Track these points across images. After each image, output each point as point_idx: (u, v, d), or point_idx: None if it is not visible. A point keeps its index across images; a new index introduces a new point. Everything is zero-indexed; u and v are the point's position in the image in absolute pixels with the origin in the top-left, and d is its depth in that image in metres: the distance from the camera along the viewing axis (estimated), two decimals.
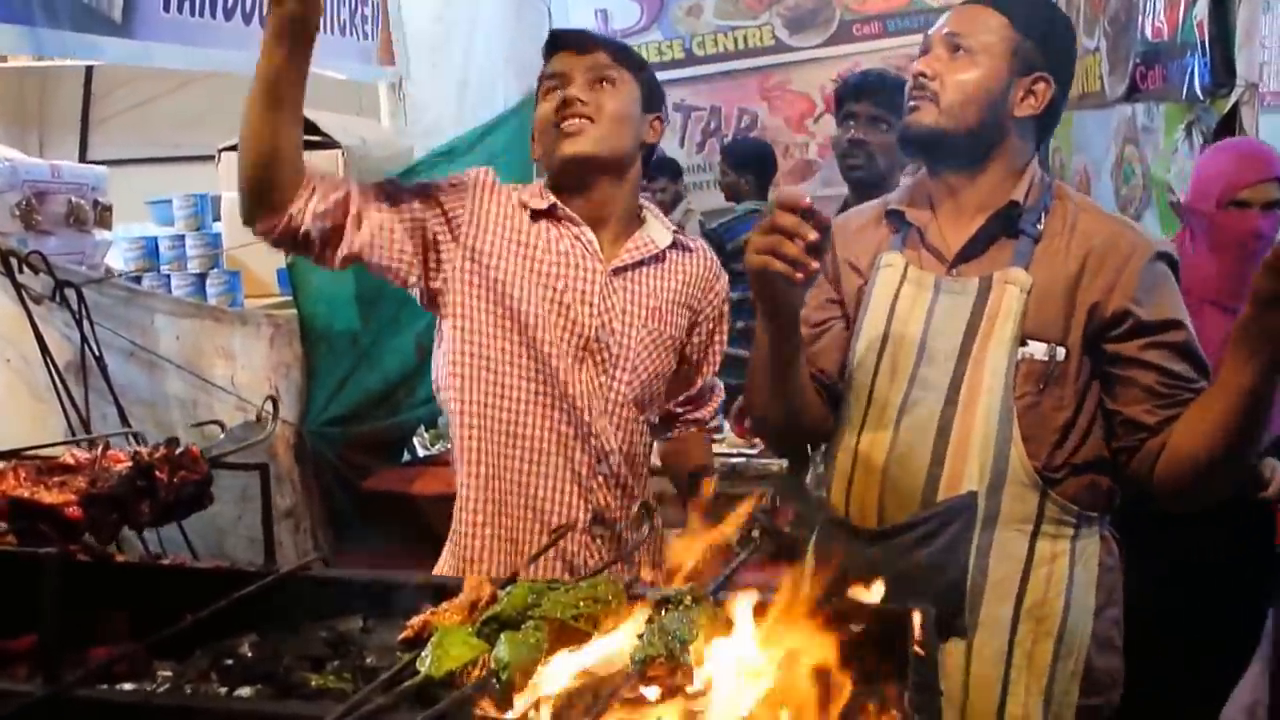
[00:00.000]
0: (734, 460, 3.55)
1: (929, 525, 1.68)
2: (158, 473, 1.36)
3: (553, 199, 1.83)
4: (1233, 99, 3.20)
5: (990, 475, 1.65)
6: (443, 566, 1.90)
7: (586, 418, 1.81)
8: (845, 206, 2.88)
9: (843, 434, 1.80)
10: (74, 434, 2.19)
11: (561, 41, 1.88)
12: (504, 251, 1.80)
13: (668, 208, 5.02)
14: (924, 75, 1.70)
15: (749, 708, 1.10)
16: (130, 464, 1.35)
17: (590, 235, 1.83)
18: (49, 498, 1.23)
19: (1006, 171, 1.73)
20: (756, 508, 3.45)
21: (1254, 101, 3.25)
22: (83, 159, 4.99)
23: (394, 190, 1.81)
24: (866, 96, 2.85)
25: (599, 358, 1.81)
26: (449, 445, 3.96)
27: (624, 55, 1.87)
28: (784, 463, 3.60)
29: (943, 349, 1.71)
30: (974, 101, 1.68)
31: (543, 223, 1.83)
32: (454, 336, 1.81)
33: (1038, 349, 1.65)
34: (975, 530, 1.66)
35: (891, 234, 1.82)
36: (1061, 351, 1.65)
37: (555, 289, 1.79)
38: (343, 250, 1.74)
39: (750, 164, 5.08)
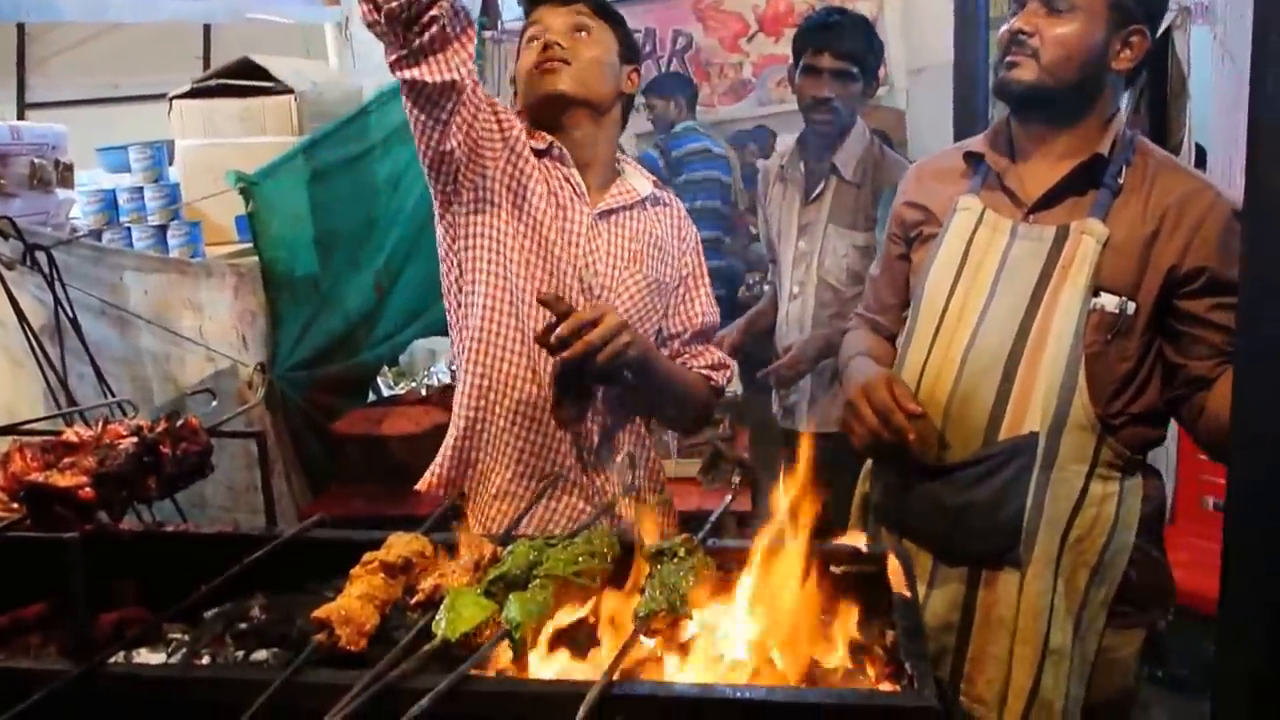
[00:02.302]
0: None
1: (991, 463, 1.73)
2: (162, 447, 1.39)
3: (550, 138, 1.87)
4: (1165, 22, 3.24)
5: (1052, 418, 1.70)
6: (442, 465, 1.91)
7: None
8: (803, 146, 3.02)
9: (904, 370, 1.84)
10: (54, 396, 2.20)
11: None
12: (507, 195, 1.83)
13: (672, 122, 5.44)
14: (1023, 32, 1.69)
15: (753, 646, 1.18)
16: (134, 439, 1.38)
17: (579, 178, 1.88)
18: (63, 481, 1.26)
19: (1096, 123, 1.74)
20: (716, 436, 3.55)
21: (1186, 25, 3.30)
22: (20, 103, 4.84)
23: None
24: (831, 45, 2.79)
25: (586, 297, 1.84)
26: (413, 384, 4.02)
27: (602, 8, 1.90)
28: (739, 391, 3.70)
29: (1015, 293, 1.74)
30: (1074, 58, 1.68)
31: (542, 161, 1.87)
32: (484, 254, 1.83)
33: (1109, 301, 1.69)
34: (1034, 470, 1.71)
35: (971, 176, 1.85)
36: (1131, 305, 1.69)
37: (544, 234, 1.84)
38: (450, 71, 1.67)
39: (676, 90, 5.56)
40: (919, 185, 1.96)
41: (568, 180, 1.87)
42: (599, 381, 1.82)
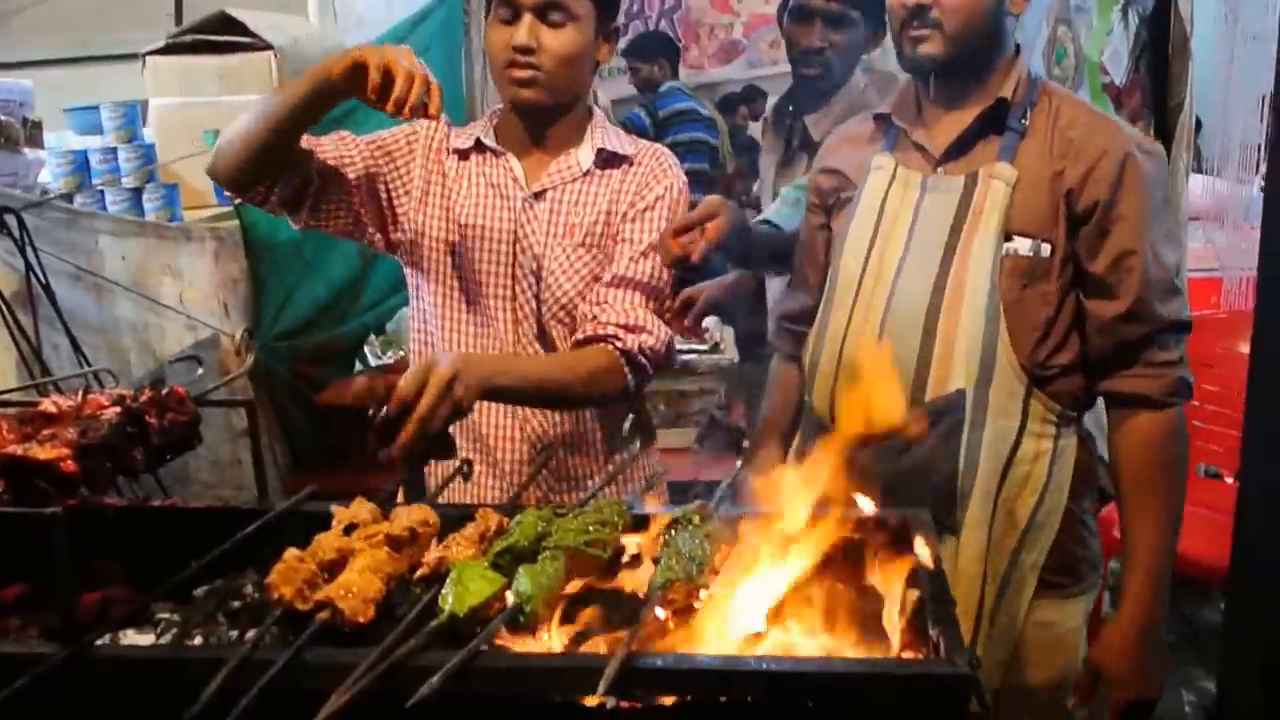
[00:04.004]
0: (686, 357, 3.56)
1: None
2: (147, 418, 1.32)
3: (476, 136, 1.84)
4: None
5: (978, 373, 1.66)
6: None
7: (519, 342, 1.82)
8: (793, 100, 2.59)
9: (825, 338, 1.80)
10: (27, 365, 2.12)
11: None
12: (432, 202, 1.83)
13: (656, 84, 5.35)
14: (921, 4, 1.64)
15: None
16: (118, 410, 1.32)
17: (513, 163, 1.83)
18: (43, 454, 1.19)
19: (999, 67, 1.72)
20: (712, 405, 3.48)
21: None
22: None
23: (346, 154, 1.82)
24: None
25: (526, 283, 1.80)
26: (402, 352, 3.94)
27: None
28: (734, 358, 3.64)
29: (928, 246, 1.70)
30: (977, 19, 1.65)
31: (472, 158, 1.84)
32: (414, 293, 1.91)
33: (1022, 244, 1.65)
34: (965, 430, 1.66)
35: (881, 139, 1.82)
36: (1046, 248, 1.65)
37: (477, 225, 1.80)
38: (303, 218, 1.81)
39: (657, 52, 5.45)
40: (833, 152, 1.92)
41: (503, 168, 1.83)
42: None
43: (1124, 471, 1.69)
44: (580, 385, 1.72)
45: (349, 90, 1.54)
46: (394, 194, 1.84)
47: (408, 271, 1.90)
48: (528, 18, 1.71)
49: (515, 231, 1.80)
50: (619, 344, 1.73)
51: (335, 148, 1.80)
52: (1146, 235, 1.63)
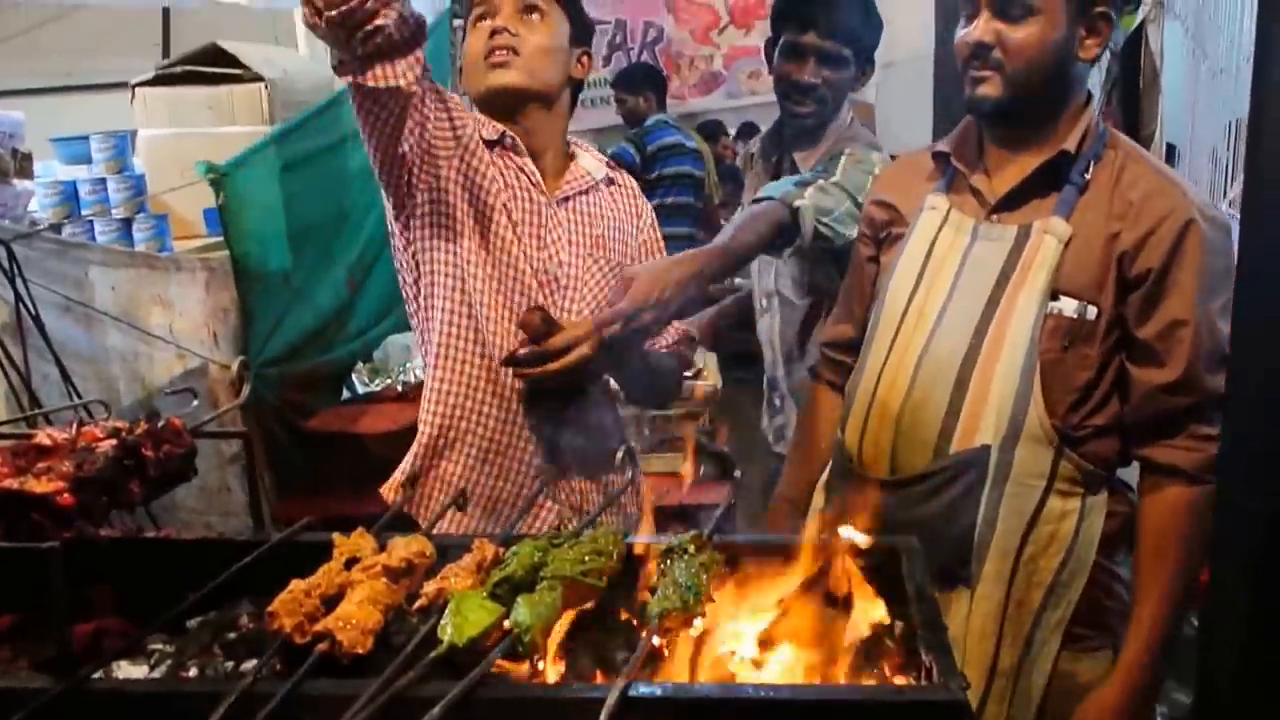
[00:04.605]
0: None
1: (939, 479, 1.65)
2: (144, 450, 1.32)
3: (502, 128, 1.83)
4: (1139, 16, 3.24)
5: (1006, 430, 1.61)
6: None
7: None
8: (781, 135, 2.53)
9: (863, 375, 1.78)
10: (16, 396, 2.12)
11: None
12: (466, 185, 1.79)
13: (642, 117, 5.33)
14: (983, 44, 1.59)
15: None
16: (113, 442, 1.31)
17: (533, 166, 1.84)
18: (39, 487, 1.19)
19: (1065, 116, 1.66)
20: (698, 430, 3.48)
21: (1159, 19, 3.30)
22: None
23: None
24: (819, 21, 2.31)
25: (550, 289, 1.81)
26: (389, 380, 3.94)
27: None
28: (718, 384, 3.65)
29: (972, 296, 1.66)
30: (1041, 65, 1.59)
31: (494, 153, 1.83)
32: (440, 259, 1.80)
33: (1068, 305, 1.60)
34: (986, 485, 1.62)
35: (939, 177, 1.78)
36: (1093, 311, 1.60)
37: (499, 229, 1.80)
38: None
39: (645, 84, 5.44)
40: (888, 184, 1.90)
41: (522, 170, 1.83)
42: (567, 395, 1.79)
43: (1145, 537, 1.64)
44: (663, 382, 2.01)
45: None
46: (435, 143, 1.76)
47: (423, 238, 1.80)
48: (508, 8, 1.79)
49: (542, 238, 1.82)
50: (684, 357, 2.05)
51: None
52: (1201, 305, 1.57)
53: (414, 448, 1.87)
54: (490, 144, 1.82)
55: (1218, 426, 1.55)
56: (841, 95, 2.39)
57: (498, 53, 1.77)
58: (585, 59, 1.90)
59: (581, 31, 1.89)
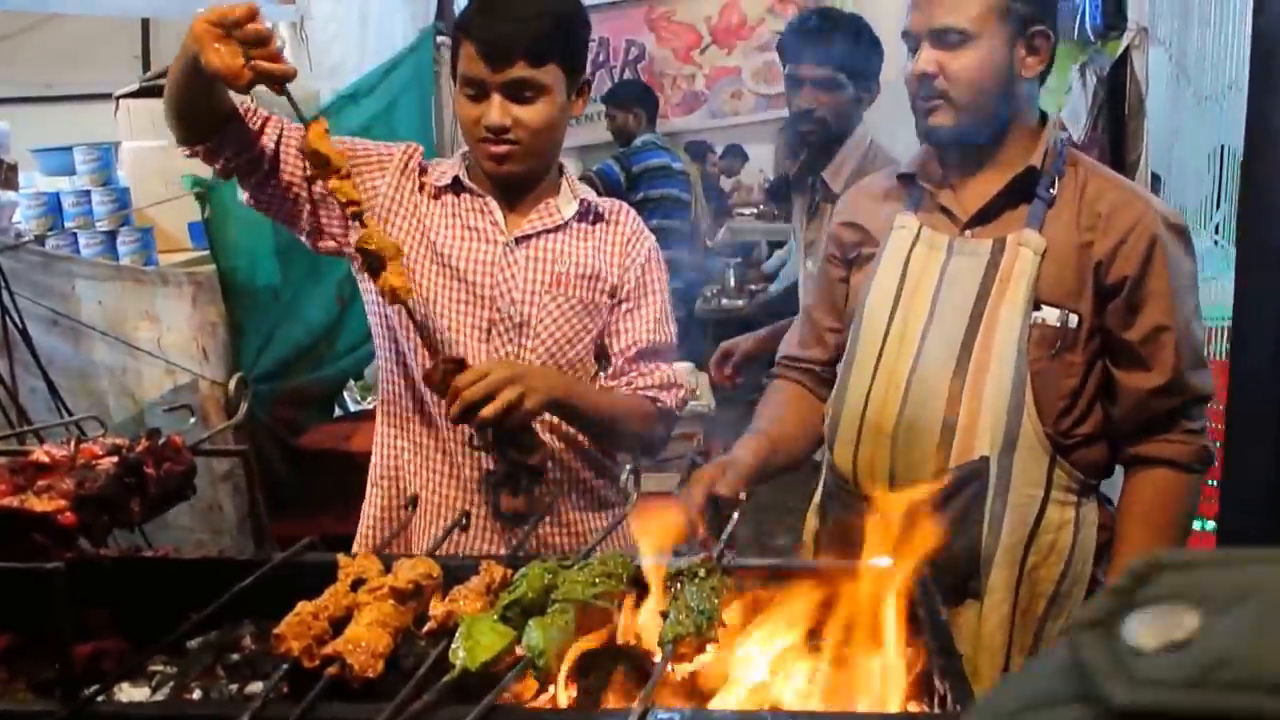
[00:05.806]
0: None
1: (943, 492, 1.62)
2: (146, 467, 1.30)
3: (456, 173, 1.78)
4: (1124, 42, 3.27)
5: (1002, 440, 1.64)
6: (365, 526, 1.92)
7: None
8: (803, 165, 2.77)
9: (848, 398, 1.78)
10: (4, 412, 2.08)
11: (477, 46, 1.66)
12: (409, 231, 1.76)
13: (632, 134, 5.23)
14: (927, 74, 1.64)
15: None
16: (114, 459, 1.29)
17: (493, 206, 1.78)
18: (40, 505, 1.16)
19: (1024, 133, 1.71)
20: (692, 451, 3.47)
21: (1144, 45, 3.33)
22: None
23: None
24: (810, 52, 2.59)
25: (502, 327, 1.76)
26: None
27: (543, 52, 1.67)
28: (712, 404, 3.65)
29: (954, 312, 1.69)
30: (985, 88, 1.64)
31: (447, 197, 1.78)
32: (373, 312, 1.83)
33: (1050, 314, 1.64)
34: (988, 496, 1.65)
35: (906, 197, 1.80)
36: (1074, 318, 1.64)
37: (454, 266, 1.75)
38: (248, 190, 1.76)
39: (635, 101, 5.35)
40: (855, 205, 1.90)
41: (482, 211, 1.78)
42: (507, 432, 1.67)
43: (1130, 514, 1.68)
44: (635, 424, 1.82)
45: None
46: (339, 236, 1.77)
47: (361, 281, 1.80)
48: (497, 97, 1.66)
49: (495, 276, 1.76)
50: (661, 405, 1.83)
51: (298, 137, 1.70)
52: (1179, 311, 1.64)
53: (367, 507, 1.91)
54: (441, 189, 1.78)
55: (1201, 422, 1.68)
56: (844, 117, 2.63)
57: (495, 146, 1.69)
58: (585, 89, 1.81)
59: (577, 72, 1.77)
